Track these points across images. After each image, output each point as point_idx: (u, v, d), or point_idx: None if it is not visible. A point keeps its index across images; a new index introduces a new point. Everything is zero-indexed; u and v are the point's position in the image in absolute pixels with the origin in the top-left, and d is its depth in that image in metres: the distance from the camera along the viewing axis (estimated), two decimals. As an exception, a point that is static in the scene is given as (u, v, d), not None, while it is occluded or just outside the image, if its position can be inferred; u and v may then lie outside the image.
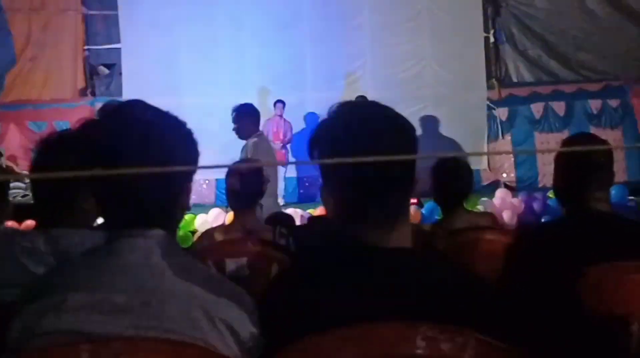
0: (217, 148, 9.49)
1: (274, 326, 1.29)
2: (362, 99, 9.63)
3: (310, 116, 10.42)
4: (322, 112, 1.46)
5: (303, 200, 10.05)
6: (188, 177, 1.41)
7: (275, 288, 1.41)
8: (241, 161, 3.43)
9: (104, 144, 1.29)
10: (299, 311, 1.28)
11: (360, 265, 1.32)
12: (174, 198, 1.36)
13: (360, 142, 1.32)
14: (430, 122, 10.55)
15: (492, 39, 11.01)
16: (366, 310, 1.23)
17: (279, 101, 9.97)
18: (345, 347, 1.16)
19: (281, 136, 9.91)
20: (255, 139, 5.73)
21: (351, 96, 10.39)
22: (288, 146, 10.08)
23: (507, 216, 8.40)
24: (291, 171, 10.12)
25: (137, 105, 1.35)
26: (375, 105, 1.43)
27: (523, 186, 10.17)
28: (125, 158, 1.26)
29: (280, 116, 9.97)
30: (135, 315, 1.21)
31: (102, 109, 1.34)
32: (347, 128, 1.35)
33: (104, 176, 1.26)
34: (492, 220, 3.54)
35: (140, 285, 1.24)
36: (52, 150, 1.93)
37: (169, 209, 1.36)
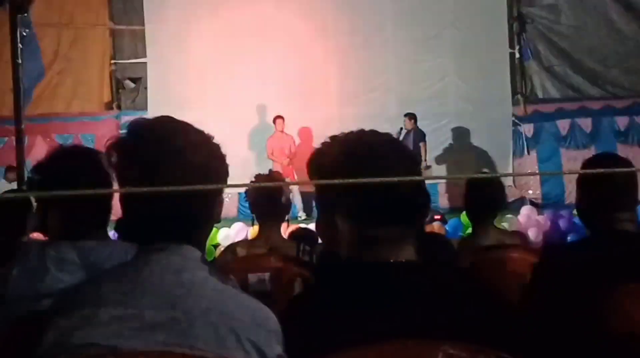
0: (240, 161, 9.59)
1: (297, 344, 1.28)
2: (410, 116, 9.63)
3: (303, 131, 10.42)
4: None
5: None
6: (218, 191, 1.42)
7: (298, 307, 1.41)
8: (264, 175, 3.40)
9: (135, 160, 1.31)
10: (321, 330, 1.27)
11: (376, 283, 1.32)
12: (203, 213, 1.37)
13: (362, 169, 1.33)
14: (460, 133, 10.50)
15: (517, 55, 10.92)
16: (388, 327, 1.23)
17: (278, 116, 9.90)
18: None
19: (286, 152, 9.85)
20: None
21: (374, 112, 10.39)
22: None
23: (532, 233, 8.31)
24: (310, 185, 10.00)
25: (166, 121, 1.37)
26: (374, 134, 1.44)
27: (549, 203, 10.04)
28: (156, 173, 1.28)
29: (282, 131, 9.91)
30: (165, 331, 1.21)
31: (132, 125, 1.36)
32: (348, 156, 1.37)
33: (134, 193, 1.28)
34: (520, 239, 3.53)
35: (170, 301, 1.24)
36: (72, 164, 1.95)
37: (198, 223, 1.37)
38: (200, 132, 1.38)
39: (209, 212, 1.38)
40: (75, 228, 1.91)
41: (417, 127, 9.64)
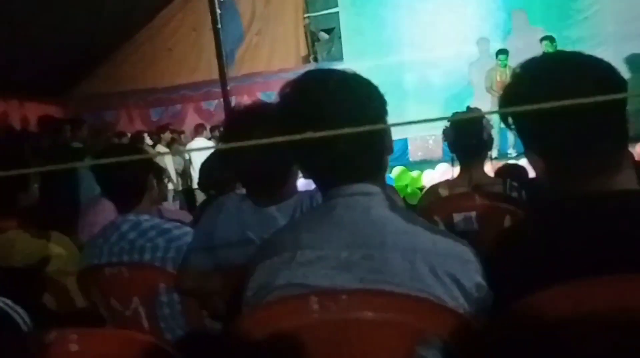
0: (441, 101, 9.38)
1: (506, 280, 1.24)
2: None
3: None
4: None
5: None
6: (382, 122, 1.41)
7: (506, 242, 1.36)
8: (461, 112, 3.28)
9: (302, 112, 1.33)
10: (531, 265, 1.22)
11: (588, 214, 1.24)
12: (379, 149, 1.40)
13: (564, 93, 1.18)
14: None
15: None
16: (600, 261, 1.15)
17: (501, 50, 9.44)
18: (582, 301, 1.07)
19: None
20: None
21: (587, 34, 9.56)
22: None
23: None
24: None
25: (317, 73, 1.43)
26: (568, 55, 1.35)
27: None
28: (323, 120, 1.31)
29: (504, 65, 9.41)
30: (360, 268, 1.25)
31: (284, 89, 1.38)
32: (547, 83, 1.25)
33: (313, 140, 1.28)
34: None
35: (362, 240, 1.28)
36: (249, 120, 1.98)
37: (377, 160, 1.40)
38: (352, 74, 1.38)
39: (383, 146, 1.41)
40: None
41: None
